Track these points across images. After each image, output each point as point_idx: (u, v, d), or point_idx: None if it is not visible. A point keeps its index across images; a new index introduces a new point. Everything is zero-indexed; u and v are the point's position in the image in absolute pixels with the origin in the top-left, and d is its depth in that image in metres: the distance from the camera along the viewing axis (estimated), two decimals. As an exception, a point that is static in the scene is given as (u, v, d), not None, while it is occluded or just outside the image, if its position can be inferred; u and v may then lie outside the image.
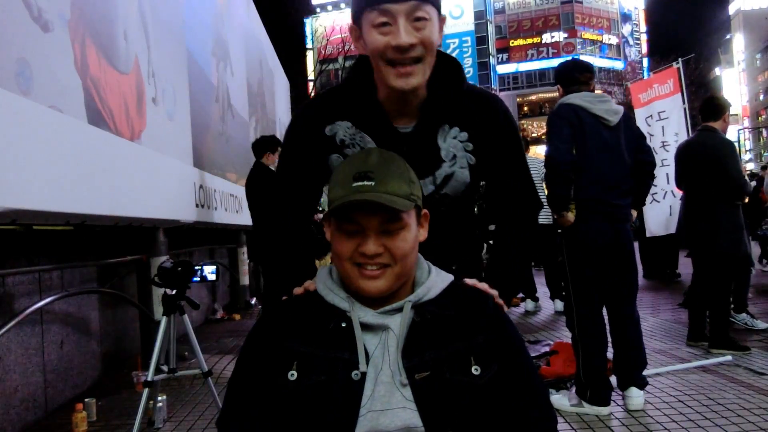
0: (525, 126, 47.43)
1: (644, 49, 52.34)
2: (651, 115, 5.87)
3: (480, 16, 50.00)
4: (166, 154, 4.12)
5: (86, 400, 2.97)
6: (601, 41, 51.98)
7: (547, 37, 52.23)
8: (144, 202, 3.55)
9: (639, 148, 2.93)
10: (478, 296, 1.09)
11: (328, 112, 1.26)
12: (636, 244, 3.30)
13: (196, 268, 2.84)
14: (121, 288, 4.10)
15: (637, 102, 6.09)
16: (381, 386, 0.95)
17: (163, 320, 2.64)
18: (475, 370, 0.98)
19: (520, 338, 1.09)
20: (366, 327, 1.00)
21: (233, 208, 6.12)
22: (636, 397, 2.77)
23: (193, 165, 4.75)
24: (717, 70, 61.81)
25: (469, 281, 1.13)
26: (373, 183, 0.97)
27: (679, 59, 5.93)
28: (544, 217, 4.70)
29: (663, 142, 5.70)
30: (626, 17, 53.41)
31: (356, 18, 1.17)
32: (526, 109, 51.24)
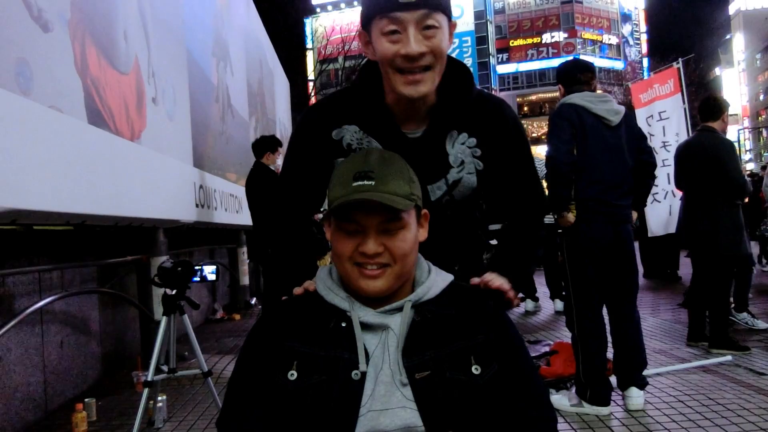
0: (525, 126, 47.35)
1: (644, 49, 52.32)
2: (652, 115, 5.87)
3: (480, 16, 49.99)
4: (166, 154, 4.12)
5: (86, 400, 2.97)
6: (601, 41, 51.97)
7: (547, 37, 52.23)
8: (144, 202, 3.55)
9: (640, 148, 2.92)
10: (478, 296, 1.09)
11: (335, 116, 1.25)
12: (636, 244, 3.29)
13: (196, 268, 2.83)
14: (121, 288, 4.10)
15: (637, 102, 6.10)
16: (381, 386, 0.95)
17: (163, 320, 2.64)
18: (475, 369, 0.98)
19: (520, 338, 1.09)
20: (366, 327, 1.00)
21: (233, 208, 6.12)
22: (636, 397, 2.77)
23: (193, 165, 4.75)
24: (717, 70, 61.78)
25: (486, 277, 1.14)
26: (373, 182, 0.97)
27: (679, 59, 5.93)
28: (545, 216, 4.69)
29: (664, 142, 5.70)
30: (626, 17, 53.41)
31: (365, 24, 1.16)
32: (526, 109, 51.21)
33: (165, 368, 2.69)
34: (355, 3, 45.46)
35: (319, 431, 0.94)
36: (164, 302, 2.68)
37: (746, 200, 4.18)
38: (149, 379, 2.57)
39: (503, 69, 52.91)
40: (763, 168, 12.10)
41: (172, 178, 4.19)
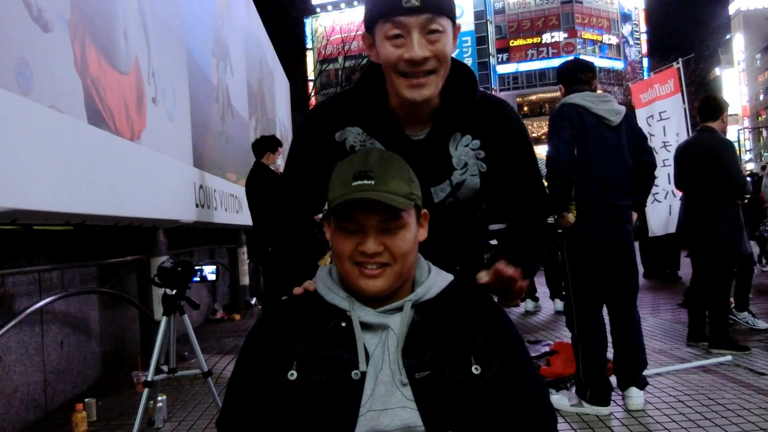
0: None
1: (644, 49, 52.32)
2: (652, 115, 5.88)
3: (480, 16, 50.01)
4: (166, 154, 4.12)
5: (86, 400, 2.97)
6: (601, 41, 51.97)
7: (547, 37, 52.23)
8: (144, 202, 3.55)
9: (640, 149, 2.92)
10: (478, 296, 1.09)
11: (339, 118, 1.24)
12: (636, 244, 3.30)
13: (196, 268, 2.84)
14: (121, 288, 4.10)
15: (638, 102, 6.10)
16: (381, 386, 0.95)
17: (163, 320, 2.64)
18: (475, 369, 0.98)
19: (520, 338, 1.09)
20: (366, 326, 1.00)
21: (233, 208, 6.12)
22: (636, 397, 2.77)
23: (193, 165, 4.75)
24: (717, 70, 61.77)
25: (498, 266, 1.13)
26: (372, 182, 0.97)
27: (680, 59, 5.94)
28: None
29: (664, 142, 5.70)
30: (626, 17, 53.41)
31: (369, 26, 1.15)
32: (526, 109, 51.22)
33: (165, 368, 2.69)
34: (355, 3, 45.48)
35: (319, 431, 0.94)
36: (164, 302, 2.68)
37: (746, 200, 4.17)
38: (149, 379, 2.57)
39: (503, 69, 52.92)
40: (763, 168, 12.09)
41: (172, 178, 4.19)
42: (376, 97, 1.22)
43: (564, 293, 3.19)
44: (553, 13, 52.22)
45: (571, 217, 2.79)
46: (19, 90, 2.35)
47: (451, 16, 1.12)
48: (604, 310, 2.88)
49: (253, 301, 7.09)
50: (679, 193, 4.64)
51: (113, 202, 3.11)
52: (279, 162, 5.09)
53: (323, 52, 28.17)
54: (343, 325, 0.99)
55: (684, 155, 3.93)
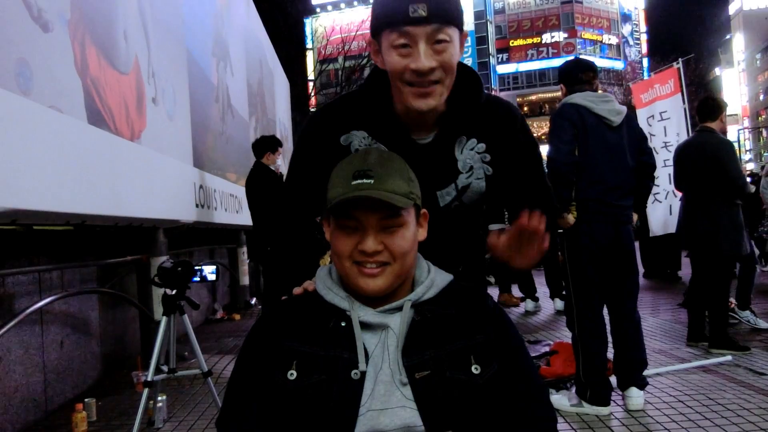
0: (525, 126, 47.30)
1: (644, 49, 52.33)
2: (653, 115, 5.88)
3: (480, 16, 50.01)
4: (166, 154, 4.12)
5: (86, 400, 2.97)
6: (601, 41, 51.98)
7: (547, 37, 52.24)
8: (144, 202, 3.55)
9: (641, 149, 2.92)
10: (478, 295, 1.09)
11: (343, 122, 1.24)
12: (636, 244, 3.30)
13: (196, 268, 2.84)
14: (121, 288, 4.10)
15: (638, 102, 6.10)
16: (381, 385, 0.95)
17: (163, 320, 2.64)
18: (475, 369, 0.98)
19: (520, 338, 1.09)
20: (365, 326, 1.00)
21: (233, 208, 6.12)
22: (636, 397, 2.77)
23: (193, 165, 4.75)
24: (717, 70, 61.75)
25: (534, 220, 1.04)
26: (372, 181, 0.97)
27: (679, 59, 5.94)
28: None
29: (665, 142, 5.71)
30: (626, 17, 53.41)
31: (375, 34, 1.15)
32: (526, 109, 51.14)
33: (165, 368, 2.69)
34: (356, 3, 45.50)
35: (319, 431, 0.94)
36: (164, 302, 2.68)
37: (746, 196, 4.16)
38: (149, 379, 2.57)
39: (503, 69, 52.92)
40: (762, 168, 12.10)
41: (172, 178, 4.19)
42: (381, 102, 1.21)
43: (564, 293, 3.18)
44: (553, 13, 52.22)
45: (571, 218, 2.79)
46: (19, 90, 2.35)
47: (459, 25, 1.11)
48: (605, 310, 2.88)
49: (253, 301, 7.09)
50: (680, 194, 4.64)
51: (113, 202, 3.11)
52: (279, 162, 5.09)
53: (323, 52, 28.15)
54: (343, 324, 0.99)
55: (683, 156, 3.93)
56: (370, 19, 1.17)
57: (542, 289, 6.03)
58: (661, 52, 35.73)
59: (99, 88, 3.12)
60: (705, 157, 3.74)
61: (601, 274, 2.81)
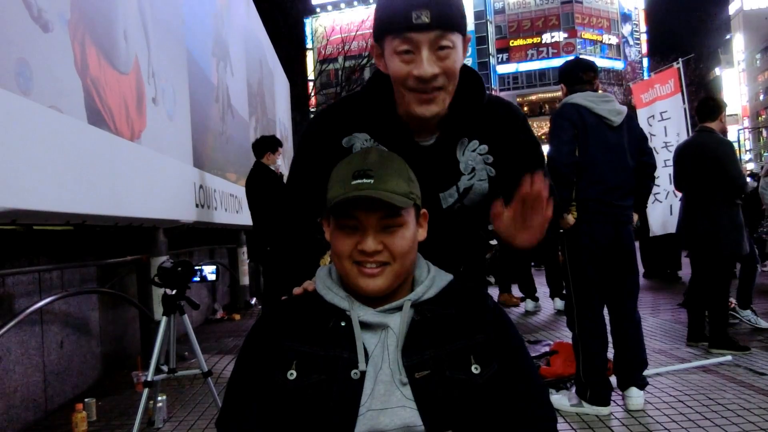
0: (525, 126, 47.33)
1: (644, 49, 52.32)
2: (653, 115, 5.88)
3: (480, 16, 50.02)
4: (166, 154, 4.12)
5: (86, 400, 2.97)
6: (601, 41, 51.98)
7: (547, 37, 52.24)
8: (144, 202, 3.55)
9: (641, 149, 2.92)
10: (478, 295, 1.09)
11: (345, 124, 1.24)
12: (636, 244, 3.30)
13: (196, 268, 2.84)
14: (121, 288, 4.10)
15: (639, 102, 6.11)
16: (380, 385, 0.95)
17: (163, 320, 2.64)
18: (475, 369, 0.98)
19: (520, 338, 1.09)
20: (365, 326, 1.00)
21: (233, 208, 6.12)
22: (636, 397, 2.77)
23: (193, 165, 4.75)
24: (717, 70, 61.73)
25: (536, 185, 0.99)
26: (372, 181, 0.97)
27: (679, 59, 5.94)
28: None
29: (665, 142, 5.71)
30: (626, 17, 53.41)
31: (378, 38, 1.14)
32: (526, 109, 50.98)
33: (165, 368, 2.69)
34: (356, 3, 45.50)
35: (319, 431, 0.94)
36: (164, 302, 2.68)
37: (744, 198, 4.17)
38: (149, 379, 2.57)
39: (503, 69, 52.92)
40: (762, 168, 12.08)
41: (172, 178, 4.19)
42: (383, 104, 1.21)
43: (564, 292, 3.18)
44: (553, 13, 52.22)
45: (571, 218, 2.79)
46: (19, 90, 2.35)
47: (462, 31, 1.10)
48: (605, 310, 2.88)
49: (253, 301, 7.10)
50: (680, 194, 4.64)
51: (113, 202, 3.11)
52: (279, 162, 5.09)
53: (323, 52, 28.13)
54: (343, 324, 0.99)
55: (683, 156, 3.93)
56: (372, 23, 1.16)
57: (542, 289, 6.03)
58: (661, 52, 35.71)
59: (99, 88, 3.12)
60: (705, 157, 3.74)
61: (601, 274, 2.81)
